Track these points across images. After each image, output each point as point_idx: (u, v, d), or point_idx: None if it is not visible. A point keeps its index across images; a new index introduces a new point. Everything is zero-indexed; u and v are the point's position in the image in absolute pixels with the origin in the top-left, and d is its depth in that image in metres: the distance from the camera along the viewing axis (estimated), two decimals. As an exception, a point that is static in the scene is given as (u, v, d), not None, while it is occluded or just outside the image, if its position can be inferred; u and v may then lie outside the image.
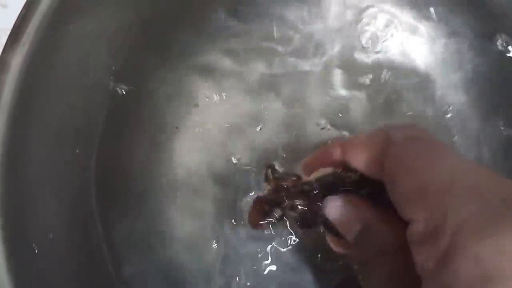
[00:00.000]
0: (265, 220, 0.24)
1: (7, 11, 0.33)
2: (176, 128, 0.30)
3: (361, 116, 0.30)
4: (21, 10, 0.25)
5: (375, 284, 0.19)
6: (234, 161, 0.30)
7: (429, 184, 0.16)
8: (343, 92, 0.30)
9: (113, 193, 0.28)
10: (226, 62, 0.30)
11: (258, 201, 0.24)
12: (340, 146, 0.21)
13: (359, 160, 0.20)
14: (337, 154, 0.21)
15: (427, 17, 0.31)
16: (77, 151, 0.27)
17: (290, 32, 0.30)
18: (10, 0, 0.33)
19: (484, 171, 0.17)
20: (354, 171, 0.21)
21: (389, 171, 0.18)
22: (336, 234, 0.23)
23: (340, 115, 0.30)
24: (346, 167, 0.22)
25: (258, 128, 0.30)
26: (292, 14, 0.31)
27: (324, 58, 0.31)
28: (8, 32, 0.26)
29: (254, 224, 0.24)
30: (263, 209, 0.24)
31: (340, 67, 0.31)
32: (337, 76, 0.30)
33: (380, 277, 0.19)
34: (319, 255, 0.29)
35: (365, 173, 0.20)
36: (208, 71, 0.30)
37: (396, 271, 0.19)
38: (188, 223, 0.29)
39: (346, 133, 0.30)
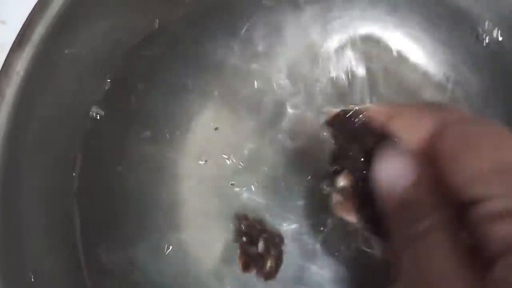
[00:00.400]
0: (252, 262, 0.25)
1: (5, 27, 0.33)
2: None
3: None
4: (15, 38, 0.25)
5: (423, 260, 0.17)
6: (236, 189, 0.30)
7: (507, 160, 0.16)
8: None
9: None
10: (222, 87, 0.30)
11: (241, 246, 0.25)
12: (385, 113, 0.20)
13: (409, 134, 0.19)
14: (379, 121, 0.20)
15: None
16: (73, 174, 0.27)
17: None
18: (9, 16, 0.33)
19: None
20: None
21: (450, 151, 0.17)
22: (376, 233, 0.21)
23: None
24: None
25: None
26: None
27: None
28: (7, 48, 0.26)
29: (244, 267, 0.26)
30: (248, 252, 0.25)
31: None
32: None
33: (429, 250, 0.17)
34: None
35: (412, 149, 0.19)
36: (204, 95, 0.30)
37: (450, 244, 0.17)
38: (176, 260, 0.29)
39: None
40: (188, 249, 0.29)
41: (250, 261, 0.26)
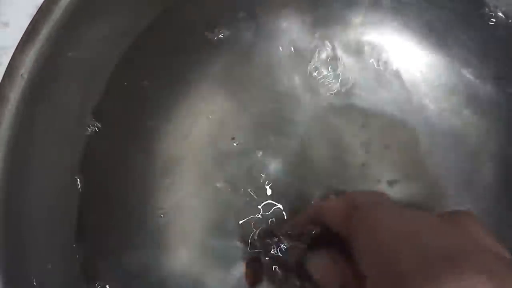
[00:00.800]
0: (259, 279, 0.26)
1: (8, 29, 0.33)
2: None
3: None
4: (19, 41, 0.25)
5: None
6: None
7: (380, 243, 0.18)
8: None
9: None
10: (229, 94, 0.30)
11: (250, 261, 0.27)
12: (316, 209, 0.25)
13: (331, 222, 0.23)
14: (314, 216, 0.25)
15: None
16: (76, 177, 0.27)
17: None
18: (12, 18, 0.33)
19: (430, 230, 0.19)
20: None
21: (352, 231, 0.21)
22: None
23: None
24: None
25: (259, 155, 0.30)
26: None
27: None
28: (10, 51, 0.26)
29: (251, 283, 0.27)
30: (255, 268, 0.26)
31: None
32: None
33: None
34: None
35: (336, 231, 0.23)
36: (203, 100, 0.30)
37: None
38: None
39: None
40: (191, 267, 0.29)
41: (258, 274, 0.26)
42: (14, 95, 0.24)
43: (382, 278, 0.17)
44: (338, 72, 0.30)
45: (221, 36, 0.30)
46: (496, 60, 0.30)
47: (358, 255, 0.20)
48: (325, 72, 0.30)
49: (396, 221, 0.19)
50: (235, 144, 0.30)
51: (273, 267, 0.26)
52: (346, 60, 0.31)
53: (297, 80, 0.30)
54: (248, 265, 0.27)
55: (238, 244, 0.28)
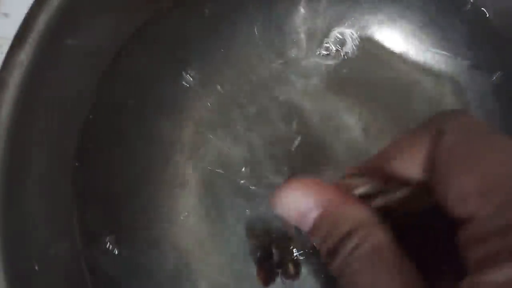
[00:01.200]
0: (272, 276, 0.26)
1: (8, 20, 0.33)
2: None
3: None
4: (18, 28, 0.25)
5: (354, 275, 0.16)
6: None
7: (499, 179, 0.15)
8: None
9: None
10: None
11: (260, 259, 0.27)
12: (379, 157, 0.18)
13: (409, 167, 0.17)
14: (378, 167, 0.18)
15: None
16: (76, 164, 0.27)
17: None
18: (12, 9, 0.33)
19: None
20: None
21: (443, 163, 0.16)
22: None
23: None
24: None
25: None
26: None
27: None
28: (9, 42, 0.26)
29: (265, 282, 0.26)
30: (267, 267, 0.26)
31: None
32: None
33: (357, 266, 0.16)
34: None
35: (420, 180, 0.17)
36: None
37: (377, 252, 0.16)
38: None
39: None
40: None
41: (270, 273, 0.26)
42: (14, 82, 0.24)
43: (504, 220, 0.14)
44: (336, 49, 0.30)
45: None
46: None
47: (456, 195, 0.15)
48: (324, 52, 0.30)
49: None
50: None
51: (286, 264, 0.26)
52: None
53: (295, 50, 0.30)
54: (259, 264, 0.27)
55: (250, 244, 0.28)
